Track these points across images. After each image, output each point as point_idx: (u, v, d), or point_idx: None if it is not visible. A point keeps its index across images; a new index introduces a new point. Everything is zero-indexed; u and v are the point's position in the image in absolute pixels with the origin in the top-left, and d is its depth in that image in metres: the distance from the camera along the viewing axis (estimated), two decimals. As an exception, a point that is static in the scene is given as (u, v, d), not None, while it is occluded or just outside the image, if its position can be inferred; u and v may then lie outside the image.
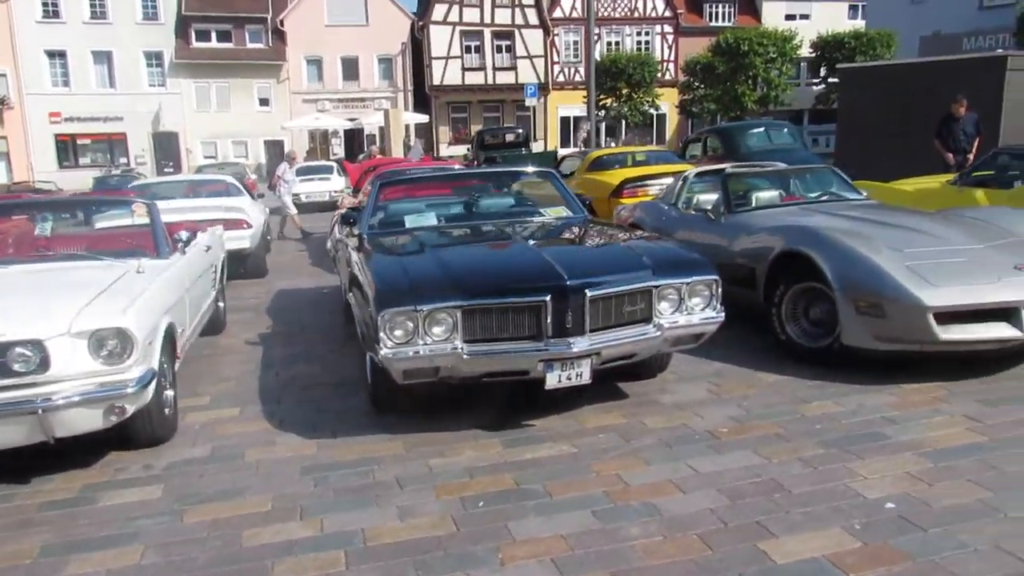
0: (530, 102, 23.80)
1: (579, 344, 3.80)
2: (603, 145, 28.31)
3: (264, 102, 35.61)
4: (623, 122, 33.59)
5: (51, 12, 32.58)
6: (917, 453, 3.52)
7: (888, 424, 3.87)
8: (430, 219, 5.34)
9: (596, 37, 37.59)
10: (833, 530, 2.90)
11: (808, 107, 31.19)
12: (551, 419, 4.18)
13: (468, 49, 36.20)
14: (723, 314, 4.15)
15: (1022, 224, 5.05)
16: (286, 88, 35.72)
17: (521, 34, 36.52)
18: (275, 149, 35.98)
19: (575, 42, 37.27)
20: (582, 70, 29.60)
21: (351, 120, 34.20)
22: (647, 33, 37.86)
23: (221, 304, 6.61)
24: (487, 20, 36.04)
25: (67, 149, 33.95)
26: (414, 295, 3.76)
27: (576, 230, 5.16)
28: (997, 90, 13.76)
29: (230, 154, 35.29)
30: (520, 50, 36.66)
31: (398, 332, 3.70)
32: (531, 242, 4.54)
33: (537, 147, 29.39)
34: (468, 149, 25.90)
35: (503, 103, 37.41)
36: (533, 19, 36.49)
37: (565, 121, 37.65)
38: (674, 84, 31.50)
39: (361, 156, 21.15)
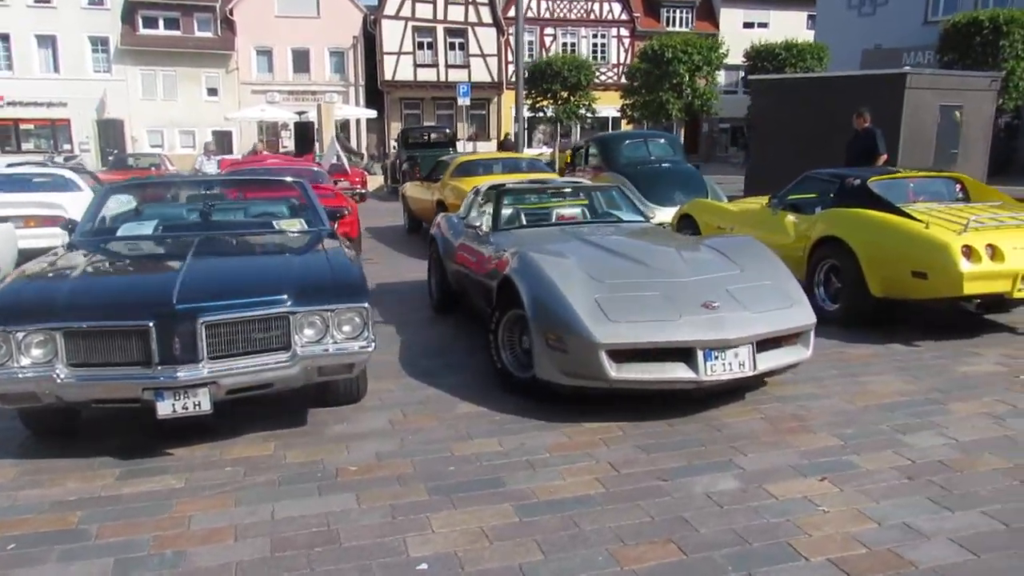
0: (462, 101, 23.51)
1: (190, 373, 3.56)
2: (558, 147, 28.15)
3: (212, 92, 35.08)
4: (579, 125, 33.40)
5: (-6, -6, 31.93)
6: (515, 505, 3.30)
7: (522, 469, 3.65)
8: (146, 228, 5.07)
9: (552, 38, 37.49)
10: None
11: (743, 116, 31.06)
12: (199, 448, 3.94)
13: (420, 45, 35.83)
14: (373, 344, 3.92)
15: (753, 257, 4.84)
16: (235, 78, 35.23)
17: (475, 32, 36.21)
18: (223, 139, 35.52)
19: (530, 42, 36.98)
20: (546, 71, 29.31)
21: (299, 113, 33.70)
22: (603, 36, 37.70)
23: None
24: (440, 16, 35.70)
25: (9, 134, 33.27)
26: (6, 315, 3.51)
27: (275, 247, 4.86)
28: (897, 107, 13.69)
29: (176, 143, 34.82)
30: (473, 48, 36.35)
31: (-8, 354, 3.45)
32: (204, 259, 4.28)
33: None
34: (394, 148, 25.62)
35: (456, 100, 37.02)
36: (487, 17, 36.19)
37: (529, 121, 37.32)
38: (618, 88, 31.27)
39: (247, 151, 20.80)
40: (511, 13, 36.48)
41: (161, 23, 34.15)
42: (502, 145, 22.64)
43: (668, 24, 38.34)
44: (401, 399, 4.69)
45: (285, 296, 3.78)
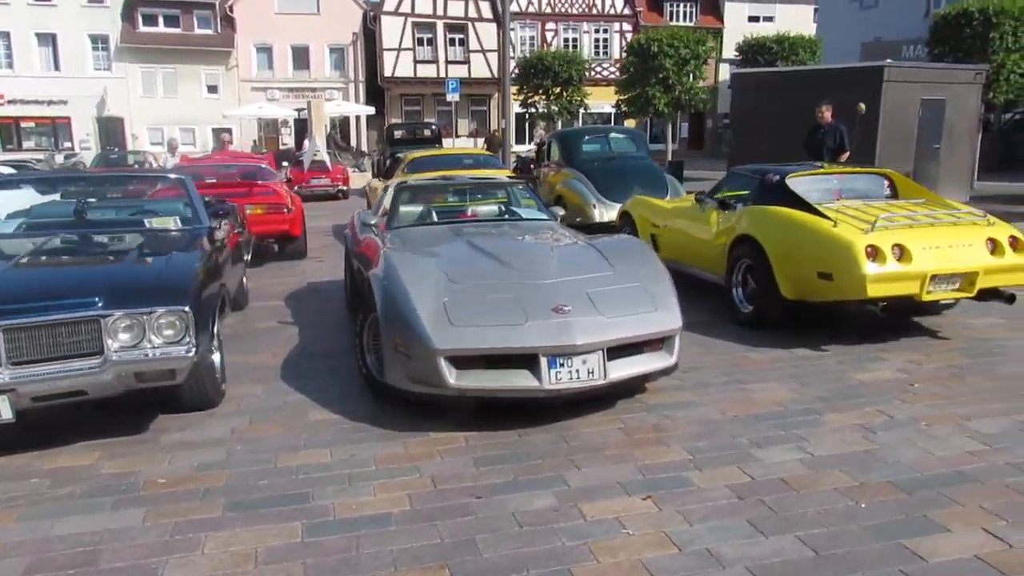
0: (451, 98, 23.24)
1: (-18, 380, 3.38)
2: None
3: (212, 89, 35.12)
4: (574, 121, 33.08)
5: (-5, -8, 32.14)
6: (306, 523, 3.09)
7: (337, 483, 3.44)
8: (8, 228, 4.91)
9: (553, 33, 37.18)
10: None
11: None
12: (20, 457, 3.78)
13: (421, 41, 35.64)
14: (194, 349, 3.73)
15: (630, 258, 4.59)
16: (235, 75, 35.25)
17: (475, 27, 35.95)
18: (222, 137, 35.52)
19: (531, 37, 36.71)
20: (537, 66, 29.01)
21: (299, 110, 33.66)
22: (605, 31, 37.29)
23: None
24: (440, 12, 35.48)
25: (10, 132, 33.53)
26: None
27: (122, 248, 4.63)
28: (875, 100, 13.34)
29: (177, 141, 34.79)
30: (474, 44, 36.11)
31: None
32: (30, 261, 4.10)
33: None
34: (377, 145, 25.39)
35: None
36: (487, 13, 35.90)
37: (520, 117, 37.07)
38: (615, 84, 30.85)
39: (214, 147, 20.69)
40: (514, 7, 36.37)
41: (161, 20, 34.22)
42: (488, 142, 22.38)
43: (671, 19, 37.85)
44: (259, 405, 4.51)
45: (97, 299, 3.59)
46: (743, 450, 3.68)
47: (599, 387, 3.88)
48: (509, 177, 10.45)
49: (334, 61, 36.60)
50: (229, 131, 25.47)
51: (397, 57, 35.54)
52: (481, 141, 30.99)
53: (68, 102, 33.42)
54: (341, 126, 36.56)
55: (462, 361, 3.84)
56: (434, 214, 5.91)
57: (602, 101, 32.31)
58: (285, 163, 20.24)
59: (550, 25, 37.09)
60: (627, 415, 4.17)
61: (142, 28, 33.95)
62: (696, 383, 4.68)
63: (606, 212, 10.01)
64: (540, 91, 27.17)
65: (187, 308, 3.70)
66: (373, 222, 5.77)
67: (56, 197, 5.58)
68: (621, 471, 3.49)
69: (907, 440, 3.74)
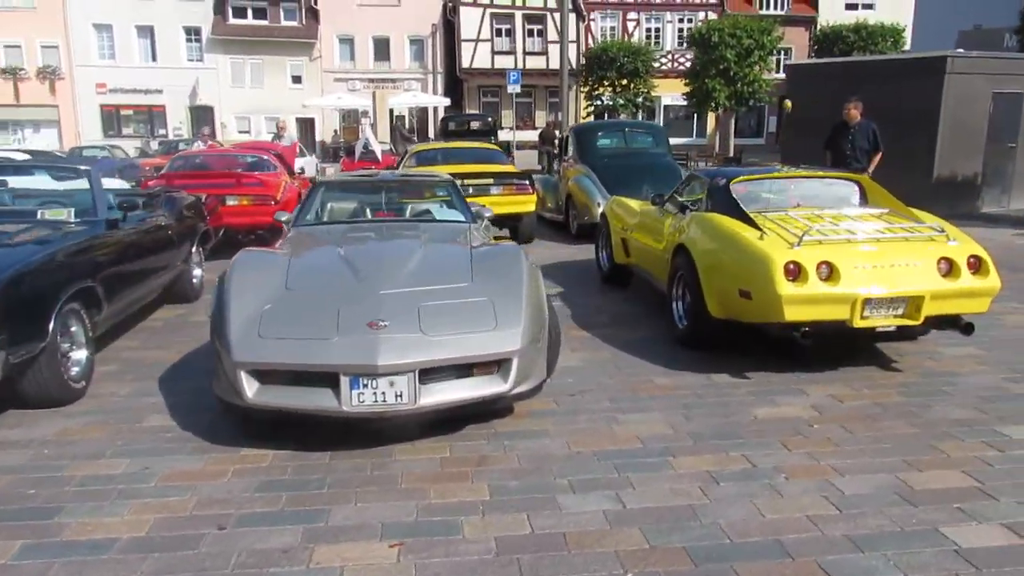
0: (512, 89, 22.97)
1: None
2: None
3: (297, 79, 36.09)
4: (643, 113, 32.11)
5: (100, -14, 34.04)
6: (27, 543, 2.90)
7: (102, 499, 3.24)
8: None
9: (635, 23, 36.22)
10: None
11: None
12: None
13: (499, 32, 35.46)
14: None
15: (495, 270, 4.16)
16: (318, 66, 36.09)
17: (553, 18, 35.38)
18: (306, 126, 36.61)
19: (611, 28, 35.86)
20: (602, 58, 28.33)
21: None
22: (690, 20, 35.92)
23: None
24: (519, 3, 35.16)
25: (111, 119, 35.54)
26: None
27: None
28: (936, 94, 12.21)
29: (263, 129, 36.04)
30: (552, 34, 35.56)
31: None
32: None
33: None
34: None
35: (535, 88, 36.50)
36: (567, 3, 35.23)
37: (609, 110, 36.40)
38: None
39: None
40: (592, -3, 35.71)
41: (250, 13, 35.40)
42: (542, 135, 21.95)
43: (761, 7, 36.08)
44: (111, 405, 4.37)
45: None
46: (550, 494, 3.24)
47: (408, 413, 3.51)
48: (510, 172, 10.10)
49: (414, 52, 36.92)
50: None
51: (475, 48, 35.51)
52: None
53: (163, 91, 35.10)
54: (419, 117, 36.93)
55: (266, 375, 3.57)
56: (346, 212, 5.66)
57: (675, 92, 31.19)
58: (342, 153, 20.49)
59: (632, 15, 36.13)
60: (463, 442, 3.79)
61: (232, 20, 35.20)
62: (570, 409, 4.24)
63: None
64: (606, 83, 26.44)
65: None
66: (285, 219, 5.58)
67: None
68: (396, 510, 3.12)
69: (747, 496, 3.20)
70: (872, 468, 3.44)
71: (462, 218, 5.55)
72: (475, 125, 21.43)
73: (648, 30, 35.78)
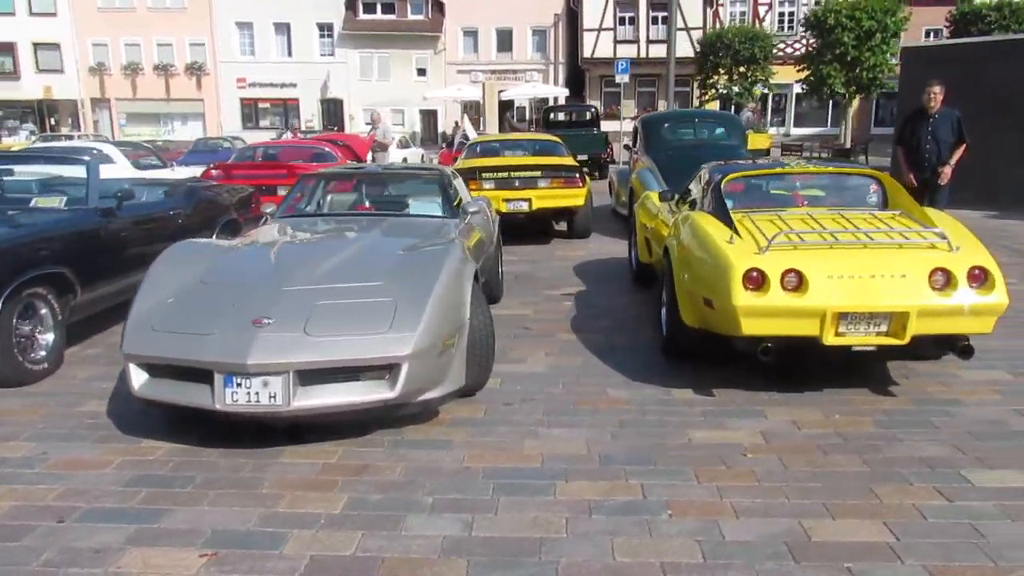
0: (620, 79, 22.32)
1: None
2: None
3: (421, 72, 36.98)
4: (765, 101, 30.38)
5: (242, -15, 36.21)
6: None
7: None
8: None
9: (767, 8, 34.39)
10: None
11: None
12: None
13: (622, 20, 34.66)
14: None
15: (414, 269, 3.95)
16: (442, 59, 36.78)
17: (679, 4, 34.17)
18: (429, 118, 37.47)
19: (741, 12, 34.21)
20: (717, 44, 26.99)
21: (499, 91, 34.36)
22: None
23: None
24: (642, -11, 34.24)
25: (250, 112, 37.84)
26: None
27: None
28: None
29: (388, 122, 37.10)
30: (678, 21, 34.32)
31: None
32: None
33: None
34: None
35: (659, 78, 35.40)
36: (689, -12, 33.96)
37: (724, 99, 34.89)
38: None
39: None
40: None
41: (379, 8, 36.57)
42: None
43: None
44: (65, 388, 4.53)
45: None
46: (402, 513, 3.01)
47: (281, 415, 3.38)
48: (560, 165, 9.76)
49: (536, 43, 36.86)
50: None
51: (597, 38, 34.94)
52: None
53: (297, 85, 36.98)
54: (539, 108, 36.82)
55: (154, 369, 3.55)
56: (328, 205, 5.61)
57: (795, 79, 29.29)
58: (443, 144, 20.73)
59: (764, -1, 34.33)
60: (357, 448, 3.62)
61: (362, 15, 36.51)
62: (495, 420, 3.97)
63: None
64: (721, 70, 25.21)
65: None
66: (270, 211, 5.60)
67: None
68: (237, 517, 3.01)
69: (610, 533, 2.84)
70: (778, 511, 2.97)
71: (439, 213, 5.36)
72: (577, 115, 21.03)
73: (781, 14, 33.86)
